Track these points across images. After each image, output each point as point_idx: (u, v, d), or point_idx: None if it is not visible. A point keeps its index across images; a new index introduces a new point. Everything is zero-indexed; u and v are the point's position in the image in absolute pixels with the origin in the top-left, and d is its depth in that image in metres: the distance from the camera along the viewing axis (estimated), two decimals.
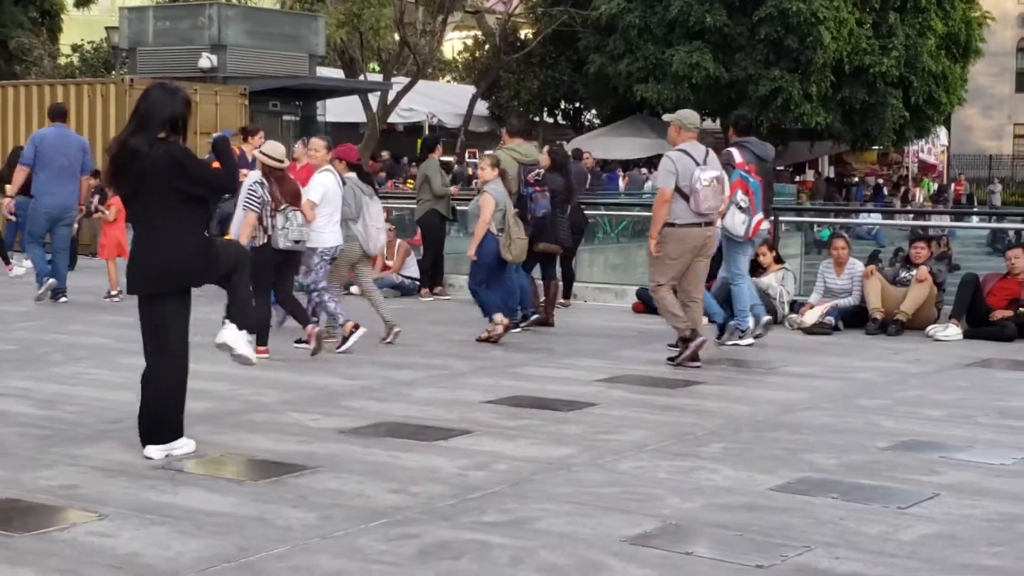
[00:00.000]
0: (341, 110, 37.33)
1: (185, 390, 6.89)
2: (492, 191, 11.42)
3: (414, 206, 15.58)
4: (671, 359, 10.20)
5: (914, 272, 12.31)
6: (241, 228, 10.05)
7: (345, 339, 10.55)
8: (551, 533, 5.56)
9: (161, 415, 6.79)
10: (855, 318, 12.35)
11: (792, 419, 8.12)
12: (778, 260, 13.02)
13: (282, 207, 10.04)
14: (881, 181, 47.18)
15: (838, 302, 12.48)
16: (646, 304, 13.68)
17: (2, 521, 5.61)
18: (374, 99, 36.57)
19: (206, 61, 26.54)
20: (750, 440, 7.48)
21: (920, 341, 11.69)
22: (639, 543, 5.42)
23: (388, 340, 11.02)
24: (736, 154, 11.22)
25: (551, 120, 45.17)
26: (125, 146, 6.66)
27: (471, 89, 43.23)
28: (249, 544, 5.35)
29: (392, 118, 37.41)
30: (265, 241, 10.05)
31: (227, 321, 6.89)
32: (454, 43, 52.04)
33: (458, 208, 15.71)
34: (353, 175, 10.98)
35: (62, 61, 43.22)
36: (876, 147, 44.32)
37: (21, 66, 40.65)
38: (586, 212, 19.01)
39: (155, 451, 6.78)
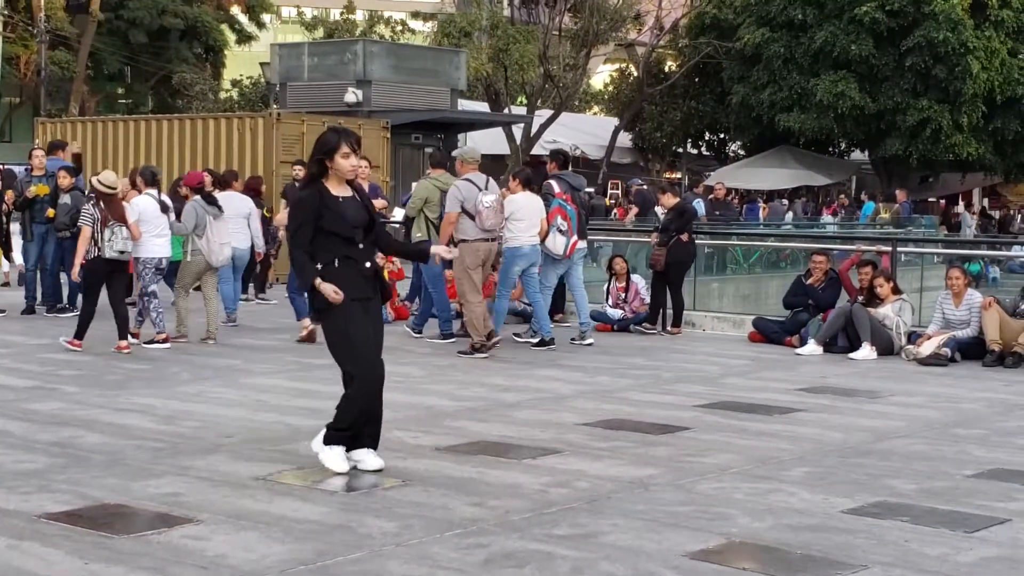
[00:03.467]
0: (488, 142, 37.95)
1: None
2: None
3: None
4: (462, 351, 12.25)
5: None
6: (79, 240, 12.24)
7: (153, 342, 12.47)
8: (616, 547, 5.78)
9: None
10: (973, 350, 12.26)
11: (883, 446, 8.18)
12: (896, 291, 12.99)
13: (109, 223, 11.99)
14: None
15: (956, 333, 12.40)
16: (763, 333, 13.78)
17: (106, 524, 6.05)
18: (518, 131, 37.13)
19: (352, 96, 27.36)
20: (835, 465, 7.58)
21: None
22: (699, 558, 5.61)
23: (204, 338, 12.95)
24: (555, 185, 13.40)
25: (695, 151, 45.17)
26: None
27: (614, 121, 43.53)
28: (328, 549, 5.69)
29: (536, 149, 37.88)
30: (96, 253, 12.03)
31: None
32: (605, 76, 52.44)
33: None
34: (198, 197, 13.14)
35: (223, 95, 44.84)
36: None
37: (184, 100, 42.39)
38: (718, 243, 19.17)
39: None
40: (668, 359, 12.44)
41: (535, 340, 13.11)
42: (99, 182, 12.26)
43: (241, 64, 48.43)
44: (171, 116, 25.51)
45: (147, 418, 8.82)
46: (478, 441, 8.16)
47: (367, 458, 7.18)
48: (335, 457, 7.10)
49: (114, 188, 12.27)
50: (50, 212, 15.16)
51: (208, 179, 15.68)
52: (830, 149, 42.29)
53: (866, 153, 40.63)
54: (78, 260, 12.33)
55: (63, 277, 15.35)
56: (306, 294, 7.95)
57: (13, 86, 44.34)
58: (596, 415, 9.11)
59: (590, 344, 13.26)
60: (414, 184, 15.95)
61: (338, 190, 7.06)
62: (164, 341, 12.55)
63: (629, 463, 7.54)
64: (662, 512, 6.39)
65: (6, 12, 40.21)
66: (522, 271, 13.04)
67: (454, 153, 13.19)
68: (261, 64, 36.45)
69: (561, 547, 5.75)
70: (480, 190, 12.17)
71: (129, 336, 12.28)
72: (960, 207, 44.17)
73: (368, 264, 7.10)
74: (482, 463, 7.50)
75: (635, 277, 15.08)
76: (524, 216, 12.76)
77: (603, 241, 19.00)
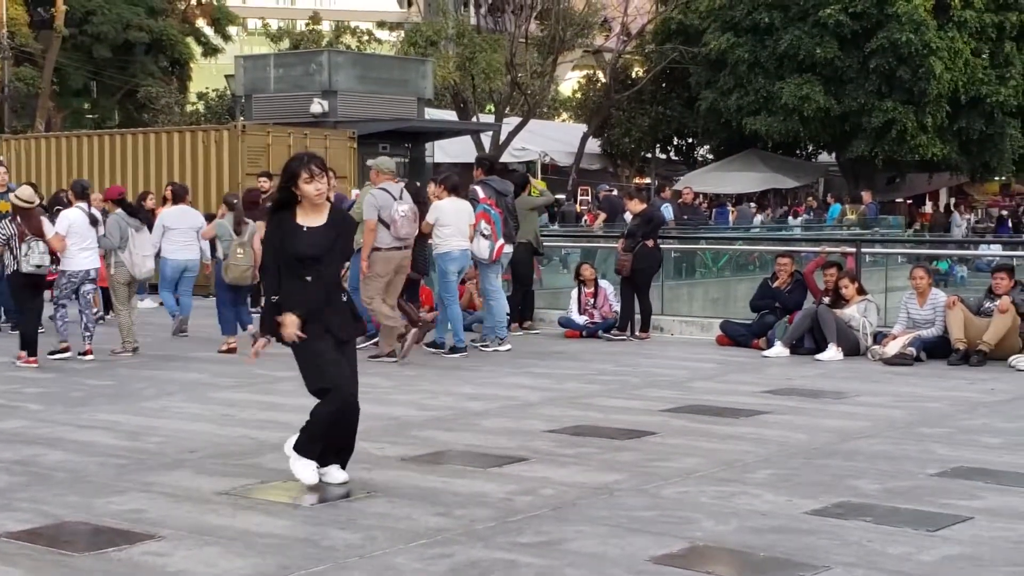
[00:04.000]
0: (457, 150, 37.95)
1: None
2: (215, 223, 13.88)
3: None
4: (377, 356, 12.41)
5: (997, 302, 12.24)
6: None
7: (55, 352, 12.57)
8: (580, 553, 5.78)
9: None
10: (939, 349, 12.32)
11: (848, 447, 8.21)
12: (861, 291, 13.05)
13: (27, 238, 12.09)
14: (1005, 212, 46.23)
15: (921, 333, 12.46)
16: (730, 337, 13.81)
17: (66, 542, 6.01)
18: (487, 139, 37.13)
19: (317, 107, 27.29)
20: (799, 467, 7.60)
21: (1001, 371, 11.63)
22: (663, 563, 5.61)
23: (116, 351, 13.04)
24: (480, 191, 13.53)
25: (663, 156, 45.28)
26: None
27: (583, 127, 43.61)
28: (291, 563, 5.66)
29: (505, 157, 37.86)
30: (15, 267, 12.19)
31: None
32: (573, 82, 52.53)
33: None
34: (119, 210, 13.25)
35: (189, 109, 44.66)
36: (997, 178, 43.52)
37: (149, 114, 42.19)
38: (687, 247, 19.22)
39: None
40: (636, 364, 12.45)
41: (488, 345, 13.39)
42: (16, 197, 12.45)
43: (207, 77, 48.29)
44: (136, 130, 25.40)
45: (111, 434, 8.76)
46: (445, 451, 8.14)
47: (332, 471, 7.13)
48: (305, 469, 7.00)
49: (31, 203, 12.37)
50: None
51: (169, 192, 15.95)
52: (797, 152, 42.50)
53: (833, 155, 40.82)
54: None
55: None
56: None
57: None
58: (563, 422, 9.11)
59: (508, 350, 13.33)
60: (354, 192, 16.26)
61: (307, 218, 6.89)
62: (65, 351, 12.62)
63: (595, 469, 7.54)
64: (627, 517, 6.39)
65: None
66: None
67: (368, 163, 13.45)
68: (226, 76, 36.32)
69: (526, 555, 5.74)
70: (395, 199, 12.35)
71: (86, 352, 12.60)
72: (950, 205, 44.52)
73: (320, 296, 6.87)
74: (448, 472, 7.48)
75: (604, 283, 15.10)
76: (449, 221, 12.93)
77: (571, 247, 19.03)
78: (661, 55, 40.08)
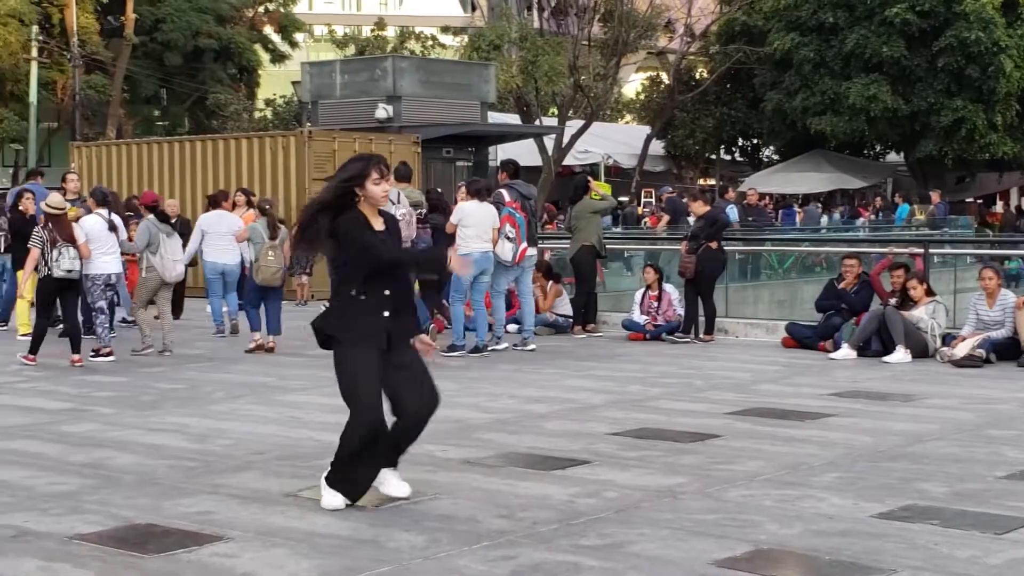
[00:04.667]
0: (520, 154, 37.97)
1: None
2: (249, 227, 14.36)
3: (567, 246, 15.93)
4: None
5: None
6: (27, 261, 12.86)
7: (97, 355, 13.05)
8: (643, 556, 5.78)
9: None
10: (1008, 350, 12.18)
11: (915, 449, 8.13)
12: (929, 292, 12.91)
13: (57, 244, 12.53)
14: None
15: (990, 334, 12.31)
16: (796, 339, 13.72)
17: (137, 544, 6.10)
18: (549, 142, 37.15)
19: (382, 112, 27.46)
20: (865, 470, 7.54)
21: None
22: (726, 566, 5.60)
23: (162, 351, 13.61)
24: (505, 194, 13.92)
25: (728, 157, 45.06)
26: None
27: (646, 129, 43.50)
28: (356, 564, 5.71)
29: (568, 160, 37.91)
30: (47, 272, 12.59)
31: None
32: (637, 84, 52.41)
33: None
34: (151, 216, 13.86)
35: (257, 115, 45.10)
36: None
37: (218, 121, 42.68)
38: (747, 249, 19.12)
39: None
40: (700, 367, 12.41)
41: (501, 346, 13.70)
42: (47, 205, 12.96)
43: (275, 83, 48.67)
44: (204, 137, 25.71)
45: (180, 437, 8.89)
46: (507, 453, 8.17)
47: (391, 482, 6.88)
48: (333, 499, 6.71)
49: (61, 209, 12.87)
50: None
51: (242, 198, 16.35)
52: (864, 152, 42.09)
53: (901, 155, 40.41)
54: (26, 278, 13.14)
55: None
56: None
57: (50, 111, 44.77)
58: (626, 424, 9.11)
59: (532, 350, 13.66)
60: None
61: (373, 222, 6.60)
62: (109, 355, 13.13)
63: (658, 472, 7.53)
64: (690, 521, 6.38)
65: (41, 38, 40.62)
66: (473, 279, 13.38)
67: None
68: (293, 83, 36.64)
69: (588, 557, 5.75)
70: (392, 204, 12.73)
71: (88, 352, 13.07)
72: (1021, 205, 43.86)
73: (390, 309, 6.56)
74: (511, 475, 7.51)
75: (668, 287, 15.05)
76: (472, 224, 13.25)
77: (634, 250, 18.99)
78: (725, 56, 39.91)
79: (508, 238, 13.50)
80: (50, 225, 12.74)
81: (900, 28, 34.80)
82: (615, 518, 6.46)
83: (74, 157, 25.33)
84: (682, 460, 7.87)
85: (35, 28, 39.83)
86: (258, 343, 13.82)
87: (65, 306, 13.10)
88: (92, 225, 13.17)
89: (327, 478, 6.77)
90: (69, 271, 12.64)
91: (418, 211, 14.18)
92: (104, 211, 13.42)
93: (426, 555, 5.84)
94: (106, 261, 13.22)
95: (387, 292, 6.60)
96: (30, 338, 13.10)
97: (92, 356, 13.03)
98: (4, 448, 8.54)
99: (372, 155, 6.91)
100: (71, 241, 12.68)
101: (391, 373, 6.60)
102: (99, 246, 13.10)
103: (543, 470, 7.63)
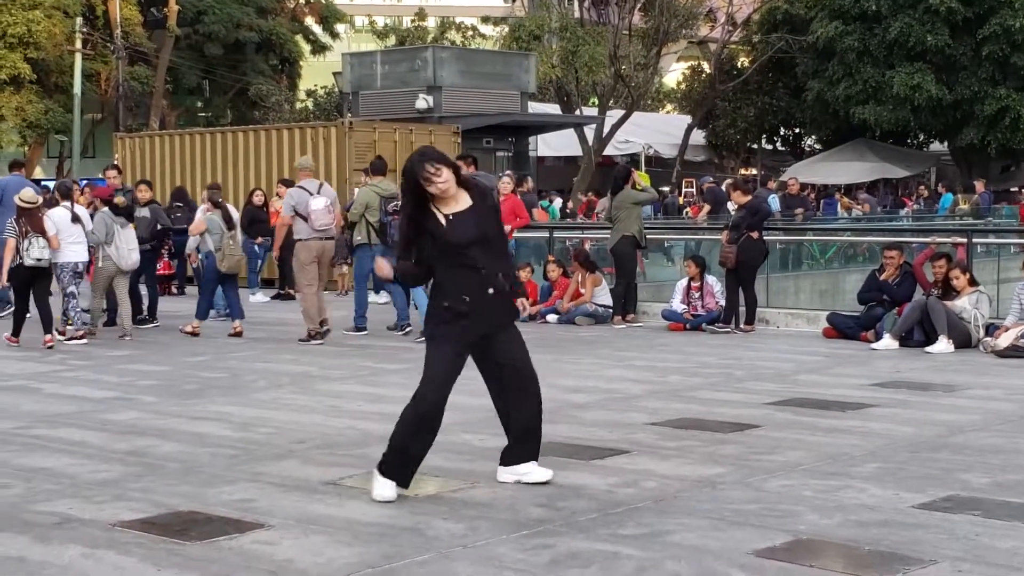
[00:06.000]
0: (560, 143, 38.00)
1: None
2: (205, 218, 14.95)
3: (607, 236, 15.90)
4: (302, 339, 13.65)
5: None
6: (4, 251, 13.75)
7: (73, 338, 13.93)
8: (681, 546, 5.78)
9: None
10: None
11: (957, 440, 8.08)
12: (972, 283, 12.82)
13: (28, 234, 13.45)
14: None
15: None
16: (838, 329, 13.65)
17: (179, 531, 6.16)
18: (590, 132, 37.11)
19: (423, 102, 27.53)
20: (906, 460, 7.50)
21: None
22: (765, 556, 5.59)
23: (123, 336, 14.36)
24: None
25: (769, 147, 44.84)
26: None
27: (687, 119, 43.35)
28: (396, 552, 5.75)
29: (608, 150, 37.87)
30: (19, 260, 13.50)
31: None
32: (677, 74, 52.24)
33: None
34: (106, 208, 14.64)
35: (298, 106, 45.29)
36: None
37: (260, 111, 42.91)
38: (788, 239, 19.04)
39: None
40: (740, 357, 12.38)
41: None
42: (19, 199, 13.86)
43: (316, 74, 48.88)
44: (246, 128, 25.83)
45: (222, 426, 8.96)
46: (546, 442, 8.12)
47: (533, 471, 7.03)
48: (383, 487, 6.71)
49: (32, 203, 13.75)
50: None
51: (284, 189, 16.56)
52: (908, 141, 41.77)
53: (945, 144, 40.09)
54: (4, 268, 13.78)
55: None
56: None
57: (94, 102, 45.16)
58: (665, 415, 9.10)
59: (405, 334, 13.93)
60: (356, 190, 16.75)
61: (448, 207, 6.69)
62: (82, 337, 14.00)
63: (697, 462, 7.52)
64: (729, 511, 6.37)
65: (85, 30, 40.96)
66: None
67: (295, 163, 15.35)
68: (334, 74, 36.78)
69: (627, 547, 5.76)
70: (311, 195, 13.90)
71: (55, 332, 13.74)
72: None
73: (486, 286, 6.70)
74: (550, 464, 7.49)
75: (710, 277, 14.99)
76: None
77: (674, 240, 18.95)
78: (767, 45, 39.74)
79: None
80: (23, 218, 13.56)
81: (944, 16, 34.53)
82: (654, 508, 6.47)
83: (117, 148, 25.53)
84: (722, 450, 7.86)
85: (79, 20, 40.15)
86: (196, 328, 14.51)
87: (37, 292, 13.84)
88: (58, 218, 14.01)
89: (381, 466, 6.77)
90: (39, 260, 13.54)
91: (393, 203, 14.10)
92: (67, 203, 14.33)
93: (465, 543, 5.87)
94: (73, 250, 14.08)
95: None
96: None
97: (66, 340, 13.84)
98: (49, 436, 8.65)
99: (417, 155, 6.80)
100: (41, 232, 13.56)
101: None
102: (65, 236, 13.93)
103: (582, 460, 7.64)
